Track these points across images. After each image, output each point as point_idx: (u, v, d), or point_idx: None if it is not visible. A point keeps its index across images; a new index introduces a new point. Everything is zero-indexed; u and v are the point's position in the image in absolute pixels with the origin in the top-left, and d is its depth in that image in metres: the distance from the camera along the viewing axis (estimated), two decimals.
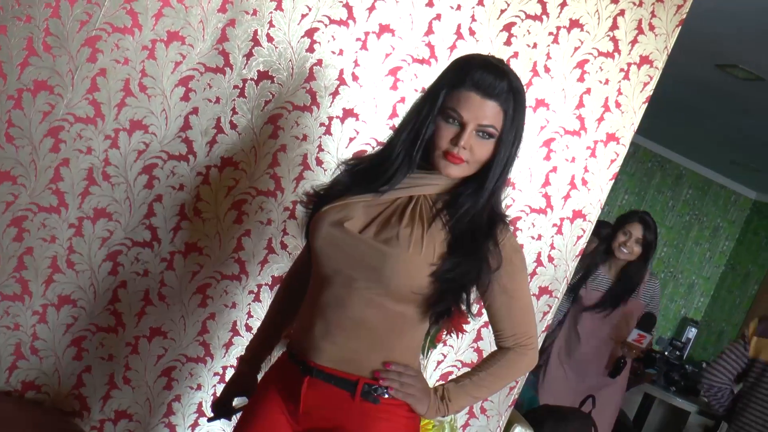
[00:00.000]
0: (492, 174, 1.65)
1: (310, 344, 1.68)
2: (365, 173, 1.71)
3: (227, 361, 2.62)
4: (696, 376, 5.64)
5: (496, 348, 1.80)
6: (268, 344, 1.98)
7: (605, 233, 4.13)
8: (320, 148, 2.57)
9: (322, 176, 2.54)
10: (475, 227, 1.65)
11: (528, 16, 2.63)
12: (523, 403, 3.01)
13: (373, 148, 2.55)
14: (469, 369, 1.82)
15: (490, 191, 1.66)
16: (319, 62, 2.55)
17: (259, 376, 1.91)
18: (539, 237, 2.75)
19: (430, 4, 2.58)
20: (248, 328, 2.60)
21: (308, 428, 1.70)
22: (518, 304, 1.74)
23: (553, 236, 2.76)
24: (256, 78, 2.51)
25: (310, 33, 2.53)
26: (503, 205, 1.73)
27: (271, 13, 2.50)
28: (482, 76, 1.60)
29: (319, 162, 2.57)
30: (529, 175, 2.71)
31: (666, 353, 6.15)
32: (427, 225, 1.64)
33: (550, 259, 2.77)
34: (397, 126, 1.72)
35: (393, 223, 1.65)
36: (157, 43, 2.44)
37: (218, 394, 1.98)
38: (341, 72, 2.56)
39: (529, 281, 2.48)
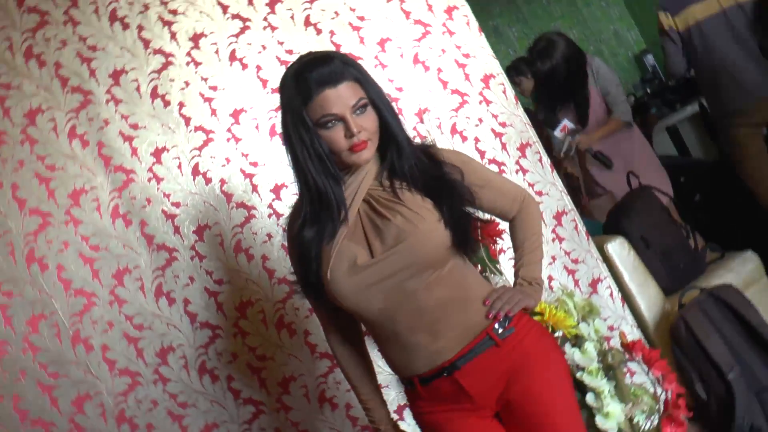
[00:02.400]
0: (392, 128, 1.71)
1: (429, 355, 1.71)
2: (317, 219, 1.70)
3: None
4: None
5: (509, 224, 1.94)
6: (382, 402, 1.94)
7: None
8: None
9: None
10: (425, 170, 1.73)
11: None
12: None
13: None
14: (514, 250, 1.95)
15: (404, 139, 1.73)
16: None
17: None
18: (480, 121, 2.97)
19: None
20: None
21: (503, 401, 1.75)
22: (495, 183, 1.87)
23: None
24: None
25: None
26: (413, 137, 1.80)
27: None
28: (318, 72, 1.62)
29: None
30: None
31: (648, 91, 6.38)
32: (402, 202, 1.69)
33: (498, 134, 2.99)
34: (295, 169, 1.72)
35: (383, 226, 1.68)
36: None
37: None
38: None
39: (481, 161, 2.80)
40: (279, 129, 1.74)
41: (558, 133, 4.09)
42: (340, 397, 2.83)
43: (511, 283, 1.97)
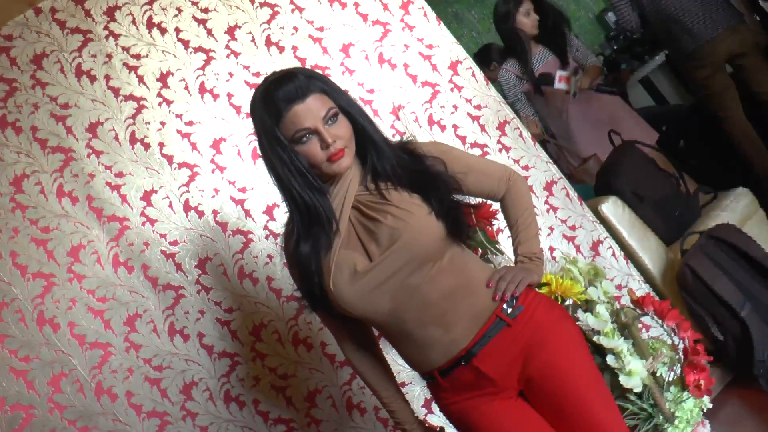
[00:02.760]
0: (367, 131, 1.72)
1: (444, 347, 1.72)
2: (311, 234, 1.71)
3: None
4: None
5: (500, 204, 1.96)
6: (404, 402, 1.94)
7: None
8: None
9: None
10: (407, 167, 1.75)
11: None
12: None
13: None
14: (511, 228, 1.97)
15: (381, 140, 1.74)
16: None
17: None
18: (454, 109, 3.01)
19: None
20: None
21: (524, 379, 1.76)
22: (478, 166, 1.89)
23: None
24: None
25: None
26: (390, 135, 1.85)
27: None
28: (283, 91, 1.63)
29: None
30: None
31: (615, 48, 6.40)
32: (389, 201, 1.70)
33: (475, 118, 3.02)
34: (280, 189, 1.73)
35: (375, 228, 1.69)
36: None
37: None
38: None
39: (463, 148, 2.87)
40: (259, 152, 1.76)
41: (559, 84, 4.11)
42: (367, 402, 2.85)
43: (513, 261, 1.97)
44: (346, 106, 1.70)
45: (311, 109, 1.64)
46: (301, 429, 2.86)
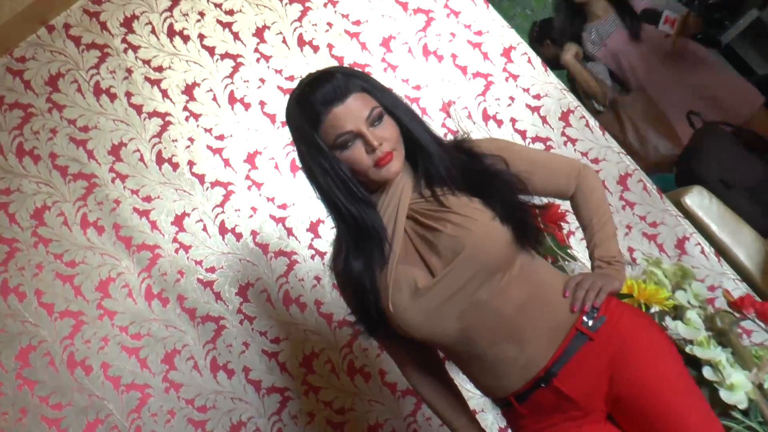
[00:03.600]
0: (415, 132, 1.67)
1: (520, 368, 1.67)
2: (362, 249, 1.68)
3: None
4: None
5: (570, 203, 1.90)
6: (480, 431, 1.88)
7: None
8: None
9: None
10: (464, 168, 1.70)
11: None
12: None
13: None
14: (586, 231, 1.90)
15: (432, 141, 1.69)
16: None
17: None
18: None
19: None
20: None
21: (612, 399, 1.69)
22: (543, 162, 1.83)
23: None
24: None
25: None
26: (441, 134, 1.77)
27: None
28: (321, 92, 1.60)
29: None
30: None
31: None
32: (448, 208, 1.66)
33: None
34: (324, 201, 1.69)
35: (435, 239, 1.64)
36: None
37: None
38: None
39: (524, 143, 2.78)
40: (299, 163, 1.72)
41: (664, 26, 3.95)
42: None
43: (588, 267, 1.91)
44: (390, 106, 1.66)
45: (352, 111, 1.60)
46: None
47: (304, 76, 1.70)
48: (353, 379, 2.82)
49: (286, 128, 1.75)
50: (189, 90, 2.85)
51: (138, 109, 2.84)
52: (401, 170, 1.66)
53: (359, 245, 1.68)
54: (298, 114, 1.64)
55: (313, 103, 1.61)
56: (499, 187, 1.69)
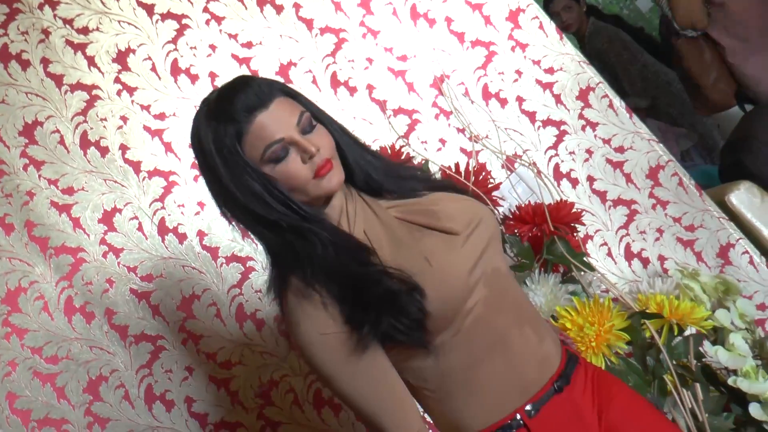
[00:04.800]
0: (346, 146, 1.70)
1: (539, 363, 1.68)
2: (345, 265, 1.62)
3: None
4: None
5: None
6: None
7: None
8: None
9: None
10: (415, 176, 1.82)
11: None
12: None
13: None
14: None
15: (365, 153, 1.75)
16: None
17: None
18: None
19: None
20: None
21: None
22: None
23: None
24: None
25: None
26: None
27: None
28: (241, 101, 1.58)
29: None
30: None
31: None
32: (428, 197, 1.74)
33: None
34: (263, 238, 1.66)
35: (441, 208, 1.70)
36: None
37: None
38: None
39: (532, 127, 2.70)
40: (211, 195, 1.68)
41: None
42: None
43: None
44: (317, 113, 1.68)
45: (279, 116, 1.59)
46: None
47: (208, 94, 1.67)
48: (320, 412, 2.73)
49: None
50: (122, 58, 2.74)
51: (57, 80, 2.72)
52: (342, 182, 1.65)
53: (340, 263, 1.61)
54: (213, 129, 1.60)
55: (232, 114, 1.58)
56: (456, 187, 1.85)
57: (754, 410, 2.29)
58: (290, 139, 1.58)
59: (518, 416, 1.64)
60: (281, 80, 1.77)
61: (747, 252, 2.79)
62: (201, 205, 2.72)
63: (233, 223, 1.67)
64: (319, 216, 1.63)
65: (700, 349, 2.46)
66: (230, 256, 2.71)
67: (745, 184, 2.96)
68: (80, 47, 2.72)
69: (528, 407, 1.64)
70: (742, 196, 2.94)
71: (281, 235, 1.61)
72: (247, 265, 2.72)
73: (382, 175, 1.74)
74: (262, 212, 1.59)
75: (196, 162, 1.63)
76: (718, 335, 2.43)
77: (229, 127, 1.57)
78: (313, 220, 1.61)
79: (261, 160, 1.58)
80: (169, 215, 2.72)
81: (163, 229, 2.71)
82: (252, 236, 1.68)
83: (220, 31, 2.75)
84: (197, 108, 1.65)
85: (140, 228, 2.70)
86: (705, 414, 2.36)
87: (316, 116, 1.66)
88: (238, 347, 2.70)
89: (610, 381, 1.77)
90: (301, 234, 1.60)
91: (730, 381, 2.37)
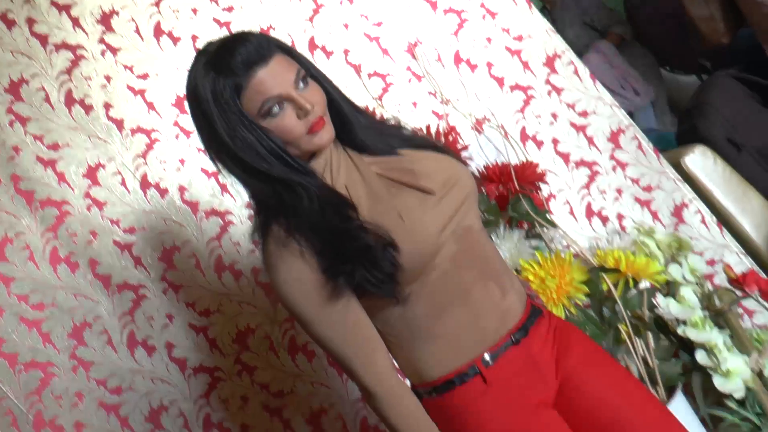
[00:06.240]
0: (338, 102, 1.70)
1: (500, 316, 1.69)
2: (329, 218, 1.61)
3: None
4: None
5: None
6: None
7: None
8: None
9: None
10: (400, 135, 1.81)
11: None
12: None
13: None
14: None
15: (355, 112, 1.74)
16: None
17: None
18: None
19: None
20: None
21: (559, 380, 1.73)
22: None
23: None
24: None
25: None
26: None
27: None
28: (240, 54, 1.56)
29: None
30: None
31: None
32: (411, 156, 1.74)
33: None
34: (256, 185, 1.62)
35: (420, 168, 1.71)
36: None
37: None
38: None
39: (500, 90, 2.71)
40: (205, 145, 1.64)
41: None
42: None
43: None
44: (312, 70, 1.67)
45: (278, 73, 1.58)
46: None
47: (205, 45, 1.64)
48: (294, 358, 2.74)
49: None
50: (106, 19, 2.72)
51: (43, 39, 2.70)
52: (333, 139, 1.66)
53: (323, 216, 1.61)
54: (212, 80, 1.57)
55: (232, 67, 1.56)
56: (438, 146, 1.83)
57: (701, 357, 2.35)
58: (287, 96, 1.57)
59: (475, 365, 1.66)
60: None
61: (699, 212, 2.83)
62: (182, 161, 2.72)
63: (219, 166, 1.64)
64: (309, 170, 1.63)
65: (653, 301, 2.50)
66: (210, 210, 2.72)
67: (700, 148, 3.01)
68: (65, 8, 2.70)
69: (486, 356, 1.67)
70: (697, 159, 2.98)
71: (269, 186, 1.61)
72: (226, 219, 2.72)
73: (367, 132, 1.75)
74: (254, 162, 1.58)
75: (189, 108, 1.62)
76: (670, 288, 2.48)
77: (228, 80, 1.56)
78: (302, 174, 1.61)
79: (257, 113, 1.57)
80: (150, 171, 2.71)
81: (145, 184, 2.70)
82: (240, 184, 1.65)
83: None
84: (195, 58, 1.62)
85: (123, 183, 2.69)
86: (656, 361, 2.41)
87: (310, 73, 1.65)
88: (217, 296, 2.70)
89: (571, 331, 1.81)
90: (290, 186, 1.60)
91: (679, 330, 2.41)
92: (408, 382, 1.72)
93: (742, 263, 2.81)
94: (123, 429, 2.65)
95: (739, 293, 2.50)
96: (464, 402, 1.68)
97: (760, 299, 2.45)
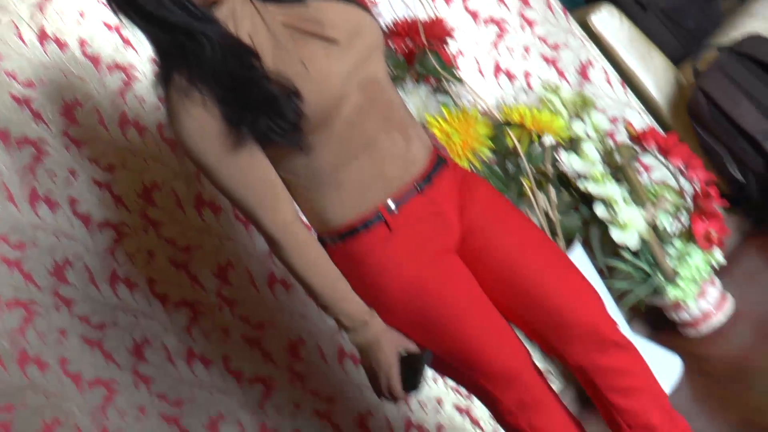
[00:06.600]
0: None
1: (404, 164, 1.70)
2: (233, 68, 1.58)
3: None
4: None
5: None
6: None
7: None
8: None
9: None
10: None
11: None
12: None
13: None
14: None
15: None
16: None
17: None
18: None
19: None
20: None
21: (464, 229, 1.75)
22: None
23: None
24: None
25: None
26: None
27: None
28: None
29: None
30: None
31: None
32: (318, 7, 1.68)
33: None
34: (149, 33, 1.57)
35: (326, 18, 1.65)
36: None
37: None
38: None
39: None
40: None
41: None
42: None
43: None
44: None
45: None
46: (209, 313, 2.72)
47: None
48: (201, 212, 2.71)
49: None
50: None
51: None
52: None
53: (225, 65, 1.57)
54: None
55: None
56: None
57: (600, 210, 2.40)
58: None
59: (379, 211, 1.68)
60: None
61: (604, 71, 2.87)
62: (81, 14, 2.60)
63: (120, 16, 1.57)
64: (211, 18, 1.57)
65: (556, 156, 2.53)
66: (112, 64, 2.62)
67: (607, 7, 3.01)
68: None
69: (390, 203, 1.68)
70: (603, 18, 2.98)
71: (171, 35, 1.56)
72: (130, 73, 2.63)
73: None
74: (154, 10, 1.53)
75: None
76: (573, 144, 2.51)
77: None
78: (204, 22, 1.56)
79: None
80: (48, 23, 2.58)
81: (43, 36, 2.58)
82: (142, 34, 1.59)
83: None
84: None
85: (20, 36, 2.56)
86: (557, 214, 2.46)
87: None
88: (120, 152, 2.64)
89: (475, 181, 1.83)
90: (191, 35, 1.55)
91: (580, 185, 2.46)
92: (314, 232, 1.72)
93: (642, 121, 2.88)
94: (27, 283, 2.59)
95: (638, 149, 2.56)
96: (368, 248, 1.69)
97: (657, 155, 2.51)
